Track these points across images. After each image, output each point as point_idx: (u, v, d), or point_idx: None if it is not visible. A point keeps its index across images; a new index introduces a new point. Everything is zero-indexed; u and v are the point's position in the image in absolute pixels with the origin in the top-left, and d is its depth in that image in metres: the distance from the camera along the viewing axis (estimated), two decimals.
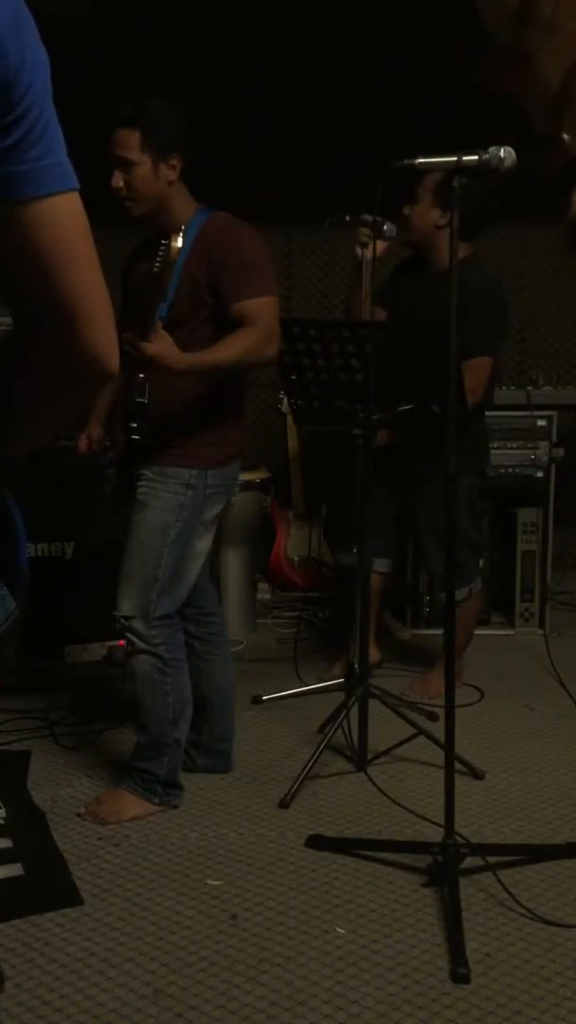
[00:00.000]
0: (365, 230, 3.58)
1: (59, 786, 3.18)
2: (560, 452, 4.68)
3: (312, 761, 3.13)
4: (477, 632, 4.34)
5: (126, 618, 2.95)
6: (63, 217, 1.03)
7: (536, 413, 4.66)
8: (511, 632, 4.78)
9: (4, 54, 0.94)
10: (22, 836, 2.83)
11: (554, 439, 4.66)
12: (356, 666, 3.38)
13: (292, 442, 5.20)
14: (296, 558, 5.18)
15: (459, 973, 2.22)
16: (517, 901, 2.48)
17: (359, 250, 3.65)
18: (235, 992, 2.20)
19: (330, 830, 2.89)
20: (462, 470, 2.72)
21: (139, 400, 2.86)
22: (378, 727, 3.32)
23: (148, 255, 2.96)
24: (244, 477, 3.25)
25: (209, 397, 2.94)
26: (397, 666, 4.27)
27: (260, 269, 2.93)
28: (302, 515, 5.21)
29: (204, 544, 3.03)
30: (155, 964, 2.30)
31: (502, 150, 2.53)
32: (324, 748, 3.20)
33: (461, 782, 2.93)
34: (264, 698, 3.83)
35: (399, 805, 2.95)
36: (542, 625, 4.72)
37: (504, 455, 4.64)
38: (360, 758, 3.27)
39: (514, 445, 4.65)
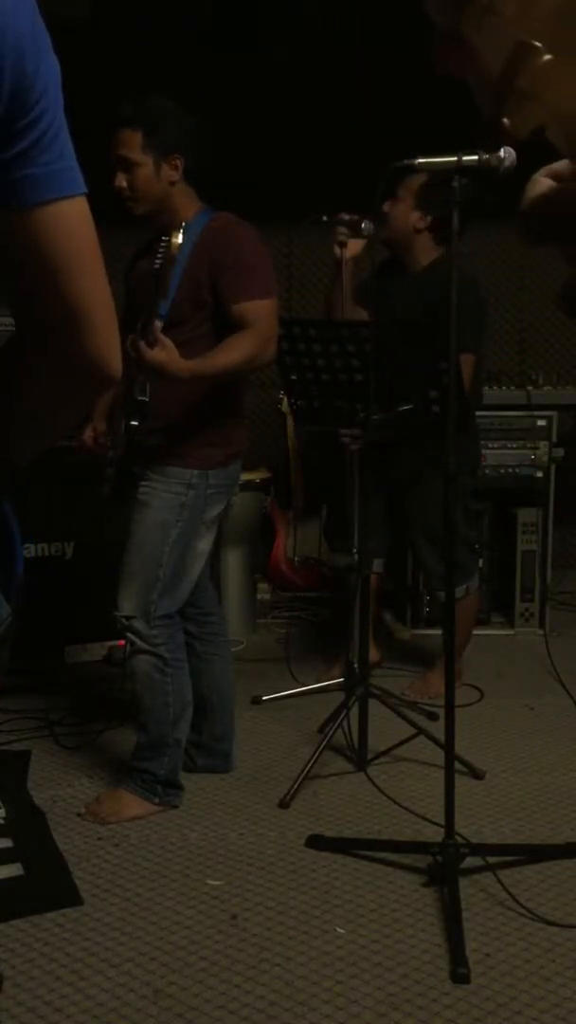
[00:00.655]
0: (343, 229, 3.58)
1: (59, 786, 3.18)
2: (560, 452, 4.68)
3: (312, 761, 3.13)
4: (477, 632, 4.35)
5: (127, 618, 2.95)
6: (72, 221, 1.03)
7: (536, 413, 4.66)
8: (511, 632, 4.78)
9: (22, 60, 0.96)
10: (22, 836, 2.83)
11: (554, 439, 4.66)
12: (356, 665, 3.38)
13: (292, 442, 5.20)
14: (296, 558, 5.17)
15: (459, 973, 2.22)
16: (517, 901, 2.48)
17: (337, 249, 3.65)
18: (235, 992, 2.20)
19: (330, 830, 2.89)
20: (458, 469, 2.72)
21: (140, 399, 2.87)
22: (378, 727, 3.32)
23: (149, 254, 2.96)
24: (244, 477, 3.25)
25: (210, 397, 2.95)
26: (397, 666, 4.27)
27: (260, 271, 2.93)
28: (302, 515, 5.20)
29: (205, 544, 3.03)
30: (155, 964, 2.30)
31: (502, 150, 2.53)
32: (324, 748, 3.20)
33: (461, 782, 2.93)
34: (264, 698, 3.83)
35: (399, 805, 2.95)
36: (542, 625, 4.72)
37: (504, 455, 4.64)
38: (360, 758, 3.27)
39: (514, 445, 4.65)
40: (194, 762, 3.22)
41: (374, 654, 4.02)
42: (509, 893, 2.50)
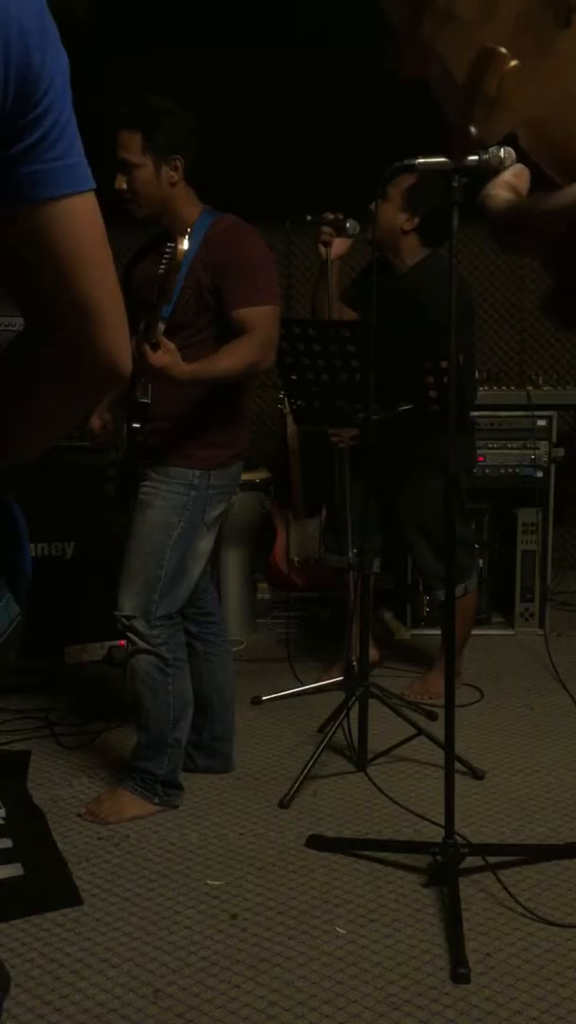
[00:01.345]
0: (327, 228, 3.58)
1: (59, 786, 3.18)
2: (560, 452, 4.68)
3: (312, 761, 3.13)
4: (477, 632, 4.35)
5: (127, 618, 2.95)
6: (81, 217, 1.02)
7: (536, 413, 4.65)
8: (511, 632, 4.78)
9: (29, 53, 0.95)
10: (22, 836, 2.83)
11: (554, 439, 4.66)
12: (356, 665, 3.38)
13: (292, 442, 5.19)
14: (296, 558, 5.17)
15: (459, 973, 2.22)
16: (517, 901, 2.48)
17: (323, 249, 3.65)
18: (235, 992, 2.20)
19: (330, 830, 2.89)
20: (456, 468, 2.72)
21: (142, 400, 2.87)
22: (378, 727, 3.32)
23: (150, 256, 2.95)
24: (244, 477, 3.24)
25: (212, 398, 2.94)
26: (397, 666, 4.27)
27: (263, 276, 2.92)
28: (302, 515, 5.20)
29: (206, 544, 3.03)
30: (155, 964, 2.30)
31: (502, 150, 2.53)
32: (324, 748, 3.20)
33: (461, 782, 2.93)
34: (264, 698, 3.83)
35: (399, 805, 2.95)
36: (542, 625, 4.71)
37: (504, 455, 4.63)
38: (360, 758, 3.27)
39: (514, 445, 4.64)
40: (194, 762, 3.22)
41: (374, 654, 4.02)
42: (509, 893, 2.50)
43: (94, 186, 1.04)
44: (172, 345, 2.72)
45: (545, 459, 4.65)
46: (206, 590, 3.24)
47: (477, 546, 4.44)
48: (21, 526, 1.16)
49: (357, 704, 3.26)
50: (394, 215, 3.73)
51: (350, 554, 3.73)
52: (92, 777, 3.24)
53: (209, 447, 2.97)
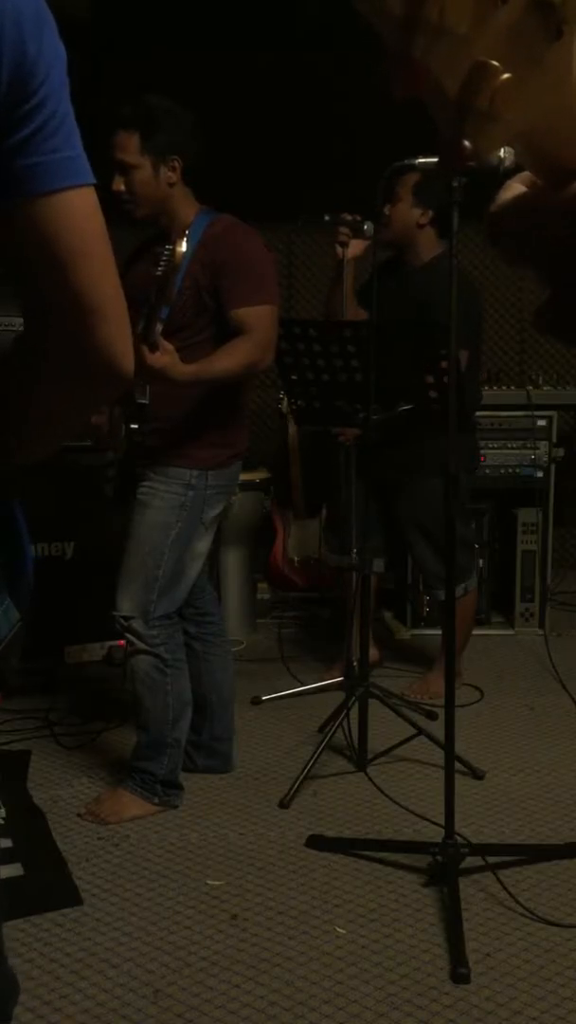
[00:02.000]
0: (345, 229, 3.58)
1: (59, 786, 3.18)
2: (560, 452, 4.68)
3: (312, 761, 3.13)
4: (477, 632, 4.35)
5: (126, 618, 2.95)
6: (80, 211, 1.01)
7: (536, 413, 4.66)
8: (511, 632, 4.78)
9: (24, 43, 0.95)
10: (22, 836, 2.83)
11: (554, 439, 4.66)
12: (356, 665, 3.38)
13: (292, 442, 5.19)
14: (296, 558, 5.17)
15: (459, 973, 2.22)
16: (517, 901, 2.48)
17: (339, 249, 3.65)
18: (235, 992, 2.20)
19: (330, 830, 2.89)
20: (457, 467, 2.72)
21: (140, 401, 2.86)
22: (378, 727, 3.32)
23: (146, 257, 2.95)
24: (244, 477, 3.25)
25: (211, 398, 2.94)
26: (397, 666, 4.27)
27: (261, 276, 2.92)
28: (302, 515, 5.20)
29: (204, 544, 3.03)
30: (155, 964, 2.30)
31: (503, 150, 2.53)
32: (324, 748, 3.20)
33: (461, 782, 2.93)
34: (264, 698, 3.83)
35: (399, 805, 2.95)
36: (542, 625, 4.71)
37: (504, 455, 4.63)
38: (360, 758, 3.27)
39: (514, 445, 4.64)
40: (194, 762, 3.22)
41: (374, 654, 4.02)
42: (509, 893, 2.50)
43: (94, 180, 1.02)
44: (170, 346, 2.72)
45: (545, 459, 4.65)
46: (204, 590, 3.24)
47: (477, 546, 4.44)
48: (24, 532, 1.15)
49: (357, 704, 3.26)
50: (407, 212, 3.74)
51: (352, 554, 3.73)
52: (92, 777, 3.24)
53: (208, 447, 2.97)
